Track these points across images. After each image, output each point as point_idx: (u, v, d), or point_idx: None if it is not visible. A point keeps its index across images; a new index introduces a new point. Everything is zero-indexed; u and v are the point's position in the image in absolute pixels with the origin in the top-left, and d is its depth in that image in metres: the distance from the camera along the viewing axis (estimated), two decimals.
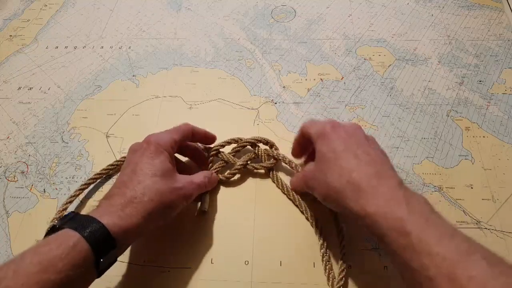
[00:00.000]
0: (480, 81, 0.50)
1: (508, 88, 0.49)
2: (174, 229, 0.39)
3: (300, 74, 0.52)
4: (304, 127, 0.37)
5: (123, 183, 0.33)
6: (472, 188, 0.41)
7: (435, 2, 0.60)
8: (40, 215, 0.42)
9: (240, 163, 0.42)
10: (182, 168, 0.40)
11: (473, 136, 0.45)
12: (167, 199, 0.33)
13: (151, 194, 0.31)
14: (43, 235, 0.30)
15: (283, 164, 0.42)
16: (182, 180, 0.35)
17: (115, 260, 0.31)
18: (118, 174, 0.35)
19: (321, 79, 0.52)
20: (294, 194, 0.40)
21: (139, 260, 0.38)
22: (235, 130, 0.46)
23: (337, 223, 0.38)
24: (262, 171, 0.43)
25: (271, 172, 0.42)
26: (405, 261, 0.26)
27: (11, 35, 0.60)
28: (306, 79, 0.52)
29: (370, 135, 0.36)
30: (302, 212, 0.40)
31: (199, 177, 0.38)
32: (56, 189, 0.43)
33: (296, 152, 0.41)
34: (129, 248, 0.38)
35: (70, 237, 0.27)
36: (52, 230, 0.29)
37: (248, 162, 0.42)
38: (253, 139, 0.43)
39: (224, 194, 0.42)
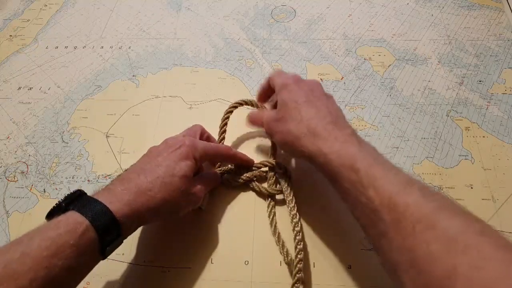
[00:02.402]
0: (480, 81, 0.50)
1: (508, 88, 0.49)
2: (174, 229, 0.39)
3: (300, 74, 0.52)
4: (270, 77, 0.41)
5: (143, 170, 0.33)
6: (472, 188, 0.41)
7: (435, 2, 0.60)
8: (40, 215, 0.41)
9: (248, 175, 0.41)
10: None
11: (473, 136, 0.45)
12: (177, 202, 0.34)
13: (165, 194, 0.32)
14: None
15: (285, 197, 0.39)
16: (196, 185, 0.35)
17: (120, 244, 0.31)
18: (142, 157, 0.36)
19: (321, 79, 0.51)
20: (278, 233, 0.38)
21: (139, 260, 0.38)
22: (235, 130, 0.46)
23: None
24: (271, 195, 0.40)
25: (269, 199, 0.40)
26: (355, 197, 0.29)
27: (11, 35, 0.60)
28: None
29: (329, 93, 0.38)
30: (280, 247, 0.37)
31: (209, 181, 0.39)
32: (56, 189, 0.43)
33: (261, 98, 0.44)
34: (129, 248, 0.38)
35: (79, 224, 0.27)
36: (58, 208, 0.29)
37: (254, 180, 0.42)
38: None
39: (224, 194, 0.42)
